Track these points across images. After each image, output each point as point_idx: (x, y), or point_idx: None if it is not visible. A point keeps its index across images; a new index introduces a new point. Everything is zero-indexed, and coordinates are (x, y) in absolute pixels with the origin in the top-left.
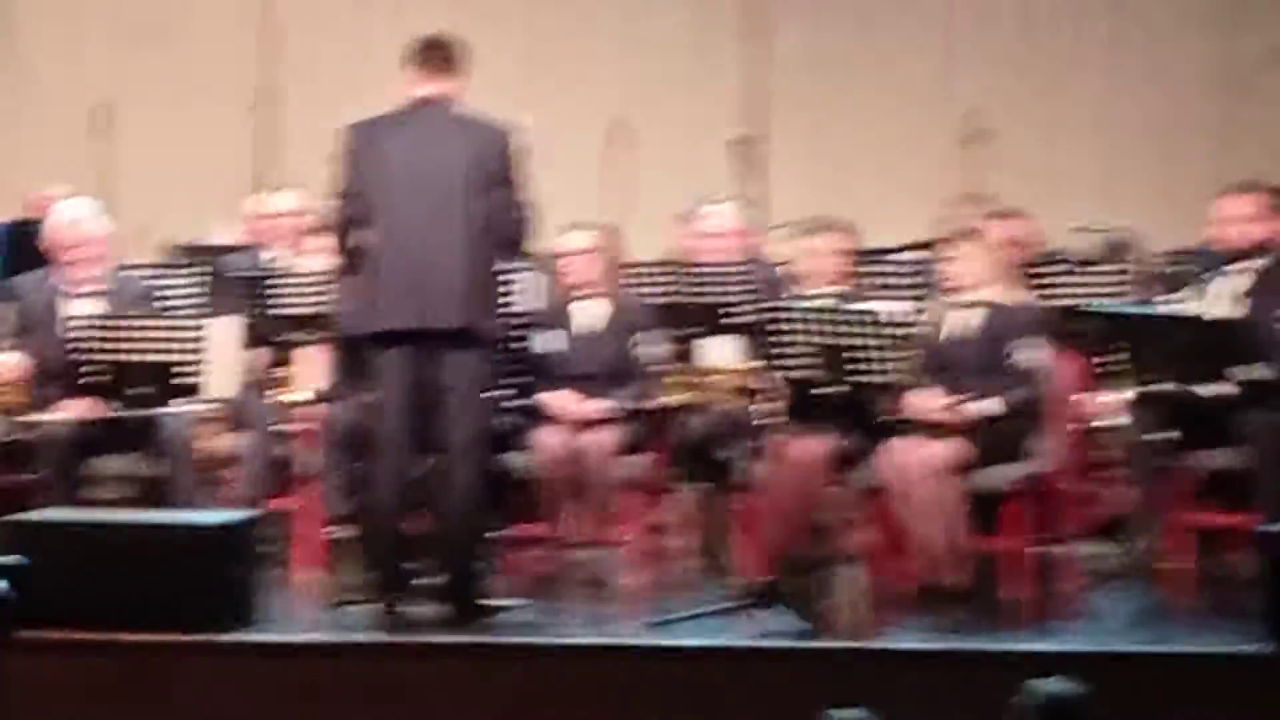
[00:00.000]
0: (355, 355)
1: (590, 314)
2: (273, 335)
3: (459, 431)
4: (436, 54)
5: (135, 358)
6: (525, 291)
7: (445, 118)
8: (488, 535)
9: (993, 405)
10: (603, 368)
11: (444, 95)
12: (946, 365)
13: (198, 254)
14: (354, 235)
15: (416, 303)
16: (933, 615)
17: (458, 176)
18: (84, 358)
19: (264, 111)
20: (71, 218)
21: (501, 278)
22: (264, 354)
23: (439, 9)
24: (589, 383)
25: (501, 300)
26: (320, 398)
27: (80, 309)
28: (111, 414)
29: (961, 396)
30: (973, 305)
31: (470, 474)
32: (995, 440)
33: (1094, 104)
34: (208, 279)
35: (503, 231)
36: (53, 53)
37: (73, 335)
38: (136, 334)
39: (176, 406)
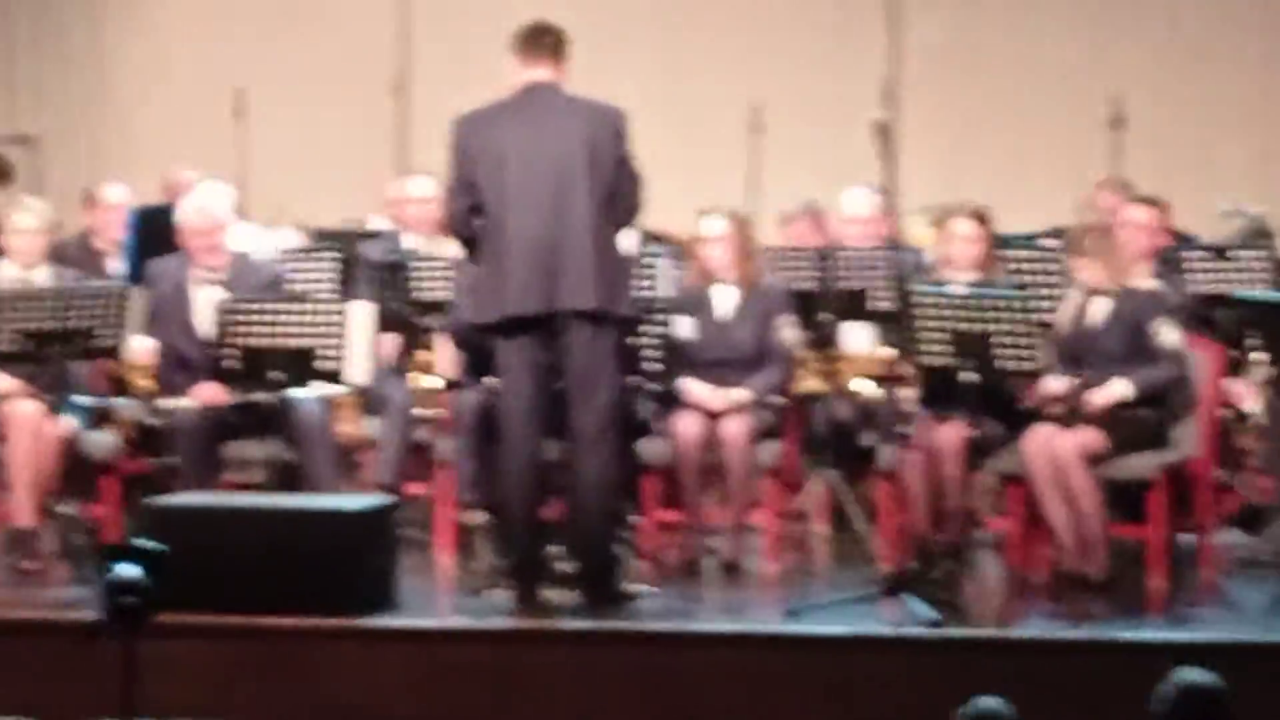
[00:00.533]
0: (480, 342)
1: (728, 300)
2: (408, 320)
3: (589, 416)
4: (542, 40)
5: (274, 342)
6: (659, 277)
7: (557, 101)
8: (622, 521)
9: (1124, 388)
10: (740, 354)
11: (552, 80)
12: (1082, 352)
13: (333, 238)
14: (472, 225)
15: (545, 286)
16: (1070, 604)
17: (577, 158)
18: (220, 342)
19: (401, 96)
20: (202, 203)
21: (635, 262)
22: (397, 339)
23: None
24: (726, 369)
25: (635, 284)
26: (452, 383)
27: (212, 294)
28: (248, 398)
29: (1095, 382)
30: (1108, 292)
31: (602, 460)
32: (1135, 428)
33: (1241, 89)
34: (342, 263)
35: (621, 209)
36: (191, 37)
37: (210, 320)
38: (276, 318)
39: (312, 391)
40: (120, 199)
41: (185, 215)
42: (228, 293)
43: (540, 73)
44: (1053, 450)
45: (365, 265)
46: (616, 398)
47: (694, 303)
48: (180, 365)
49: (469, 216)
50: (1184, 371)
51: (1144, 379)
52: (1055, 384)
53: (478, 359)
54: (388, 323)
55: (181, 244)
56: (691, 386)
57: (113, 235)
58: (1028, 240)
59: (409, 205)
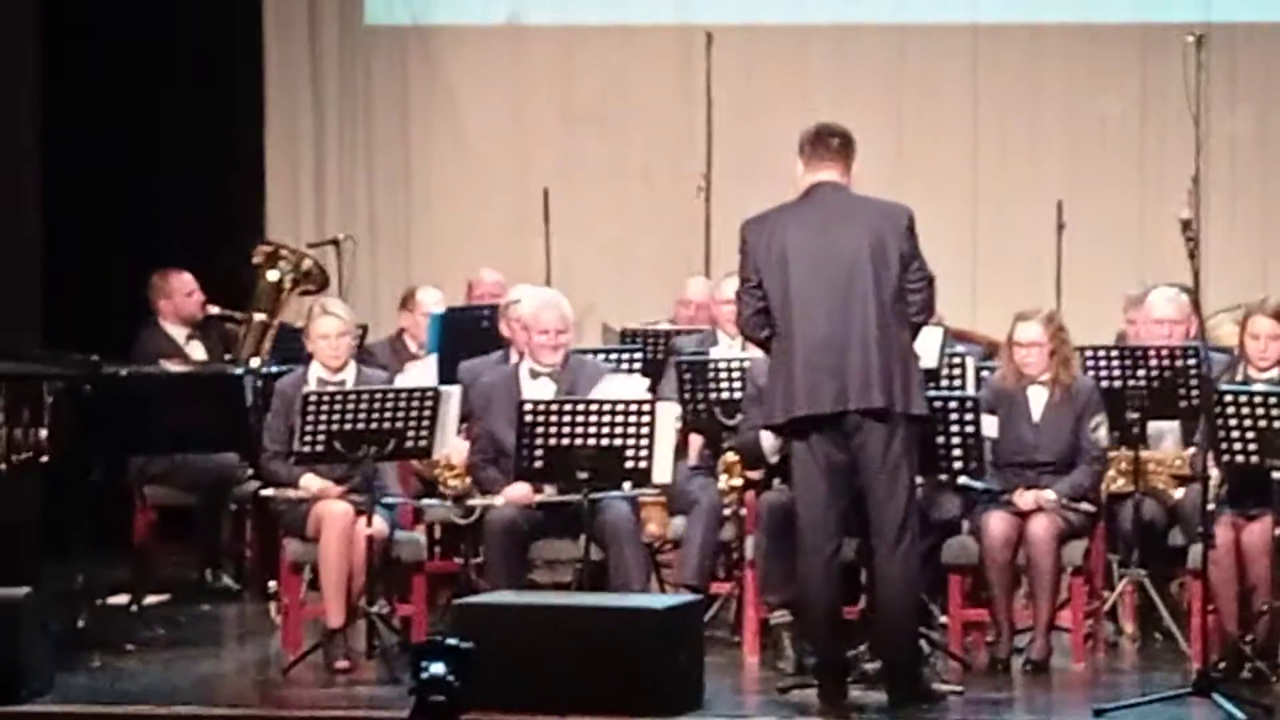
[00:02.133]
0: (759, 453)
1: (1040, 400)
2: (715, 420)
3: (888, 514)
4: (828, 141)
5: (587, 441)
6: (967, 375)
7: (841, 201)
8: (928, 620)
9: None
10: (1050, 455)
11: (836, 180)
12: None
13: (640, 337)
14: (761, 327)
15: (832, 386)
16: None
17: (863, 255)
18: (532, 441)
19: (702, 197)
20: (555, 301)
21: (941, 360)
22: (702, 439)
23: (884, 98)
24: (1036, 469)
25: (939, 383)
26: (751, 483)
27: (537, 392)
28: (558, 497)
29: None
30: None
31: (903, 558)
32: None
33: None
34: (648, 362)
35: (912, 307)
36: (498, 138)
37: (524, 419)
38: (589, 417)
39: (622, 490)
40: (434, 302)
41: (533, 311)
42: (565, 390)
43: (825, 174)
44: None
45: (675, 364)
46: (914, 496)
47: (1007, 402)
48: (496, 462)
49: (757, 319)
50: None
51: None
52: None
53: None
54: (694, 423)
55: (510, 342)
56: (999, 484)
57: (423, 338)
58: None
59: (723, 305)
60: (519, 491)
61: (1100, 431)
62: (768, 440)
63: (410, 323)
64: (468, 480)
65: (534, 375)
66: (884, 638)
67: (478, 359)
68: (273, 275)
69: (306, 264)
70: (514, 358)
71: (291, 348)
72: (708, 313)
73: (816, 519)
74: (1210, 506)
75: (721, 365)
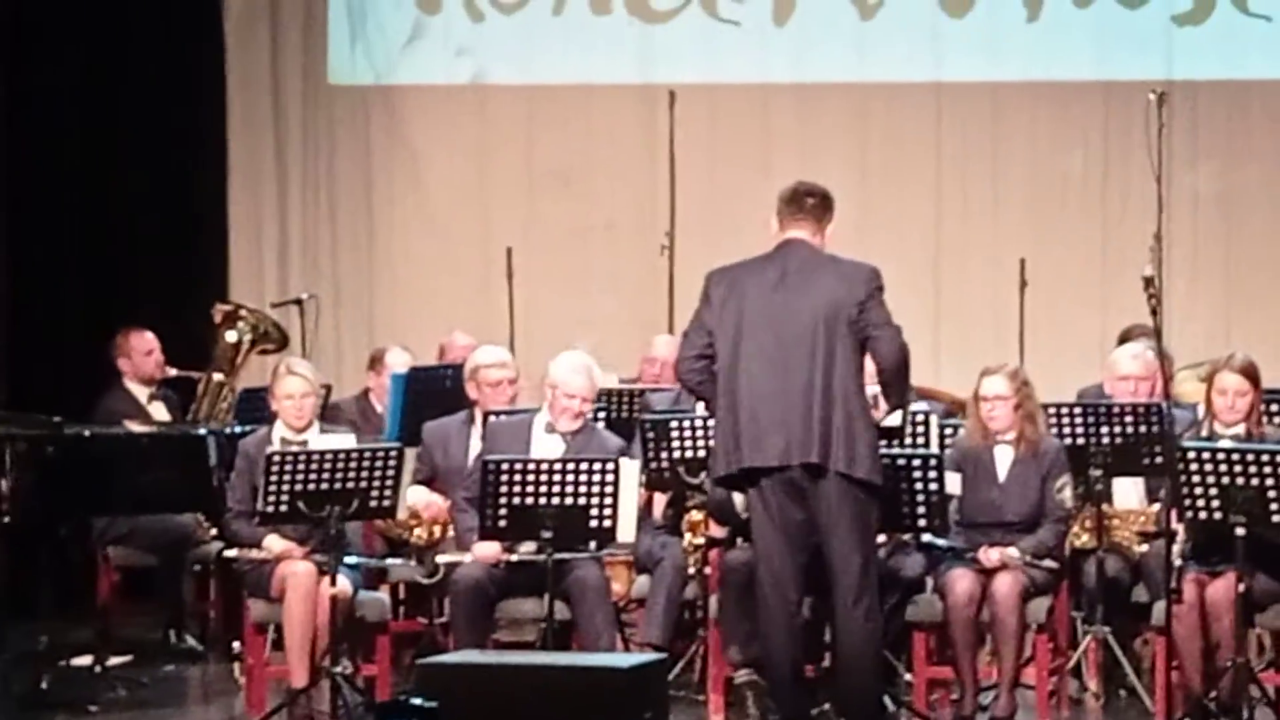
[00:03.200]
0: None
1: (1006, 459)
2: (679, 478)
3: (846, 573)
4: (803, 199)
5: (550, 500)
6: (931, 433)
7: (804, 258)
8: (892, 676)
9: None
10: (1014, 514)
11: (806, 238)
12: None
13: (605, 396)
14: (697, 370)
15: (779, 439)
16: None
17: (817, 315)
18: (495, 499)
19: (666, 256)
20: (587, 365)
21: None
22: (664, 497)
23: (846, 156)
24: (1000, 528)
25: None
26: (715, 542)
27: (547, 448)
28: (525, 556)
29: None
30: None
31: (862, 616)
32: None
33: None
34: (613, 421)
35: (877, 361)
36: (461, 198)
37: (488, 477)
38: (552, 476)
39: (587, 550)
40: (402, 363)
41: (564, 375)
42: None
43: (796, 231)
44: None
45: (639, 423)
46: (873, 556)
47: (973, 461)
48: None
49: (696, 363)
50: None
51: None
52: None
53: (733, 524)
54: (657, 481)
55: (481, 402)
56: (964, 542)
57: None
58: None
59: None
60: (487, 550)
61: (1065, 492)
62: (740, 497)
63: (376, 384)
64: (434, 530)
65: (549, 430)
66: (844, 696)
67: (442, 419)
68: (231, 335)
69: (265, 324)
70: (478, 418)
71: (258, 408)
72: (673, 371)
73: (774, 573)
74: (1176, 563)
75: (685, 423)
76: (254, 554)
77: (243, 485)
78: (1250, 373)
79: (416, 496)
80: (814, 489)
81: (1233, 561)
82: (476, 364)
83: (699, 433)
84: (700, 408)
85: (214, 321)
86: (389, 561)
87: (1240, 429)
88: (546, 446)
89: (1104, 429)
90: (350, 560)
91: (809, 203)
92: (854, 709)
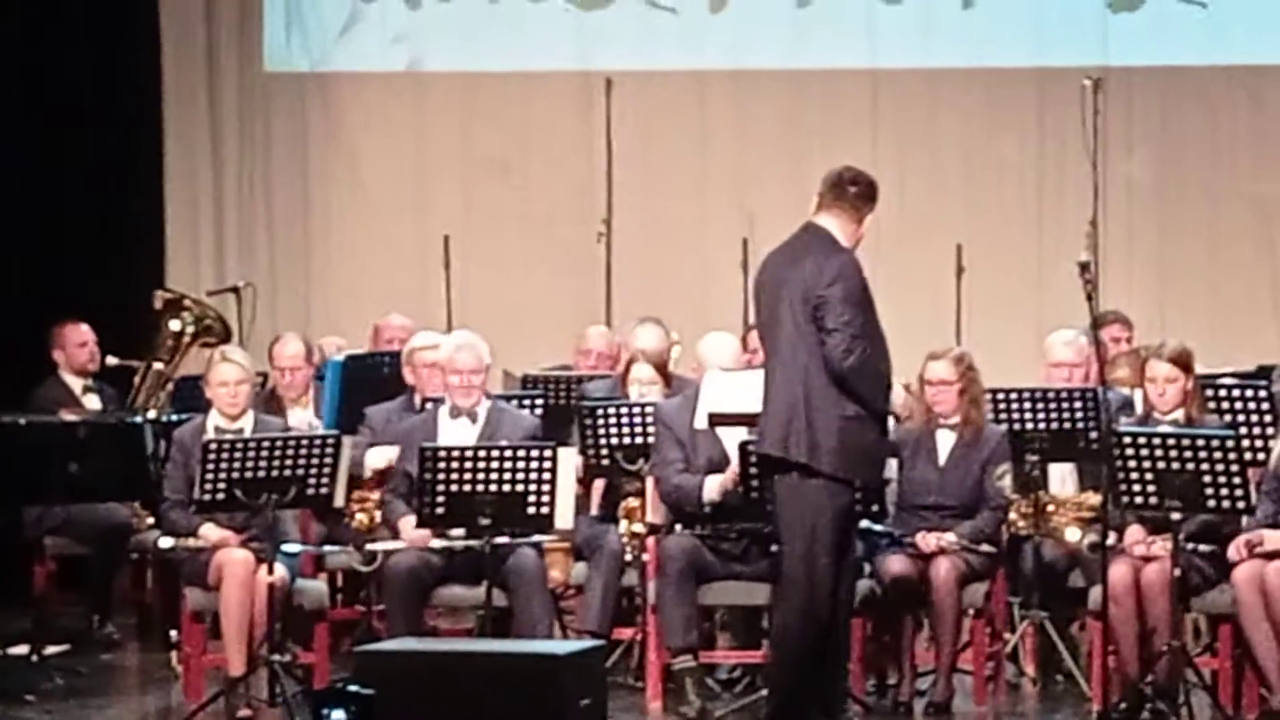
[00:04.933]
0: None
1: (947, 443)
2: (618, 465)
3: (785, 560)
4: (834, 182)
5: (489, 487)
6: None
7: (802, 245)
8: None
9: None
10: (954, 499)
11: (819, 222)
12: None
13: (541, 384)
14: None
15: (763, 427)
16: None
17: (788, 301)
18: (434, 486)
19: (603, 243)
20: (471, 342)
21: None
22: (602, 484)
23: (782, 143)
24: (940, 512)
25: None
26: (655, 529)
27: (456, 434)
28: (460, 543)
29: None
30: None
31: (790, 602)
32: None
33: None
34: (549, 409)
35: (829, 356)
36: (398, 186)
37: (425, 464)
38: (490, 463)
39: (526, 537)
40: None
41: (448, 354)
42: (485, 436)
43: (818, 216)
44: (1262, 585)
45: (577, 410)
46: (813, 554)
47: (913, 444)
48: (410, 502)
49: None
50: None
51: None
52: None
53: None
54: (595, 468)
55: (419, 388)
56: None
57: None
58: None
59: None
60: (419, 535)
61: (1005, 480)
62: (713, 482)
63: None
64: (374, 516)
65: (454, 415)
66: (769, 681)
67: (384, 404)
68: (175, 325)
69: (209, 316)
70: (417, 402)
71: (196, 396)
72: (608, 361)
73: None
74: (1112, 548)
75: (622, 410)
76: (191, 543)
77: (178, 474)
78: (1180, 360)
79: (376, 458)
80: (776, 476)
81: (1170, 546)
82: (413, 347)
83: (636, 420)
84: (634, 394)
85: (154, 308)
86: (326, 549)
87: (1179, 414)
88: (457, 432)
89: (1040, 415)
90: (287, 548)
91: (837, 188)
92: (772, 692)
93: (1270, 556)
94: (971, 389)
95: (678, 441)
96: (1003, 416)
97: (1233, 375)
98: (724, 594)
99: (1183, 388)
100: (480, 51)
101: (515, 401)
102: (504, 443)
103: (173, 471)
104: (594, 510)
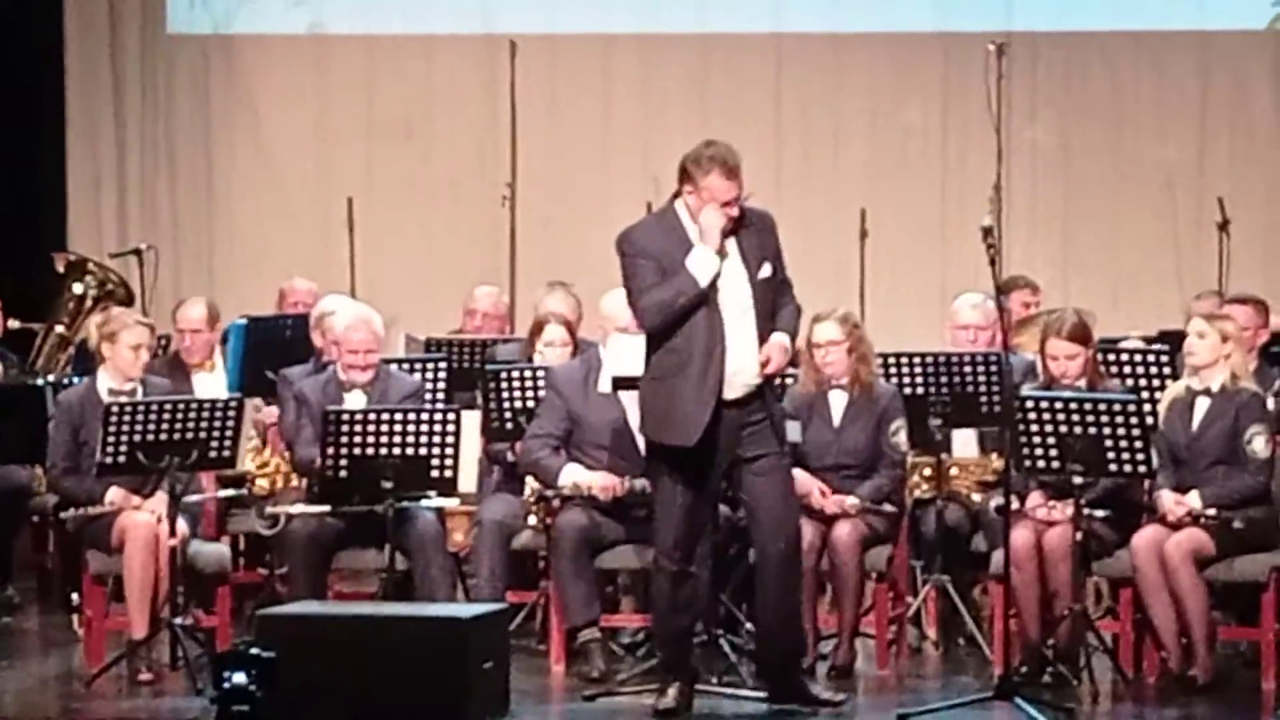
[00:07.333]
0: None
1: (840, 404)
2: (519, 429)
3: None
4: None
5: (391, 450)
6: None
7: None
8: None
9: (1195, 501)
10: (851, 459)
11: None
12: (1184, 455)
13: (444, 347)
14: None
15: None
16: (1180, 707)
17: None
18: (337, 451)
19: (508, 206)
20: (368, 317)
21: None
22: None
23: (688, 107)
24: (837, 473)
25: None
26: (554, 496)
27: (349, 404)
28: (360, 507)
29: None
30: (1207, 393)
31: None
32: (1249, 529)
33: None
34: (452, 372)
35: None
36: (301, 148)
37: (329, 429)
38: (393, 427)
39: (427, 501)
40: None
41: (344, 331)
42: (379, 401)
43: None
44: (1160, 552)
45: (482, 374)
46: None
47: (807, 407)
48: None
49: None
50: (1266, 483)
51: (1219, 493)
52: (1171, 498)
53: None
54: (497, 432)
55: (324, 353)
56: (802, 488)
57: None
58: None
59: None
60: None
61: (900, 436)
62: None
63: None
64: (276, 481)
65: (347, 389)
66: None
67: (296, 367)
68: (77, 288)
69: (112, 280)
70: (328, 367)
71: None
72: (494, 322)
73: None
74: (1014, 512)
75: (528, 374)
76: (92, 510)
77: (64, 440)
78: (1078, 334)
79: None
80: None
81: (1072, 510)
82: (322, 312)
83: (540, 384)
84: (546, 357)
85: (56, 271)
86: (228, 513)
87: (1082, 382)
88: (350, 402)
89: (943, 379)
90: (189, 499)
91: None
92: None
93: (1176, 526)
94: (859, 348)
95: (564, 413)
96: (906, 380)
97: (1142, 339)
98: (622, 558)
99: (1084, 360)
100: (383, 14)
101: (420, 366)
102: (408, 405)
103: (57, 437)
104: (496, 475)
